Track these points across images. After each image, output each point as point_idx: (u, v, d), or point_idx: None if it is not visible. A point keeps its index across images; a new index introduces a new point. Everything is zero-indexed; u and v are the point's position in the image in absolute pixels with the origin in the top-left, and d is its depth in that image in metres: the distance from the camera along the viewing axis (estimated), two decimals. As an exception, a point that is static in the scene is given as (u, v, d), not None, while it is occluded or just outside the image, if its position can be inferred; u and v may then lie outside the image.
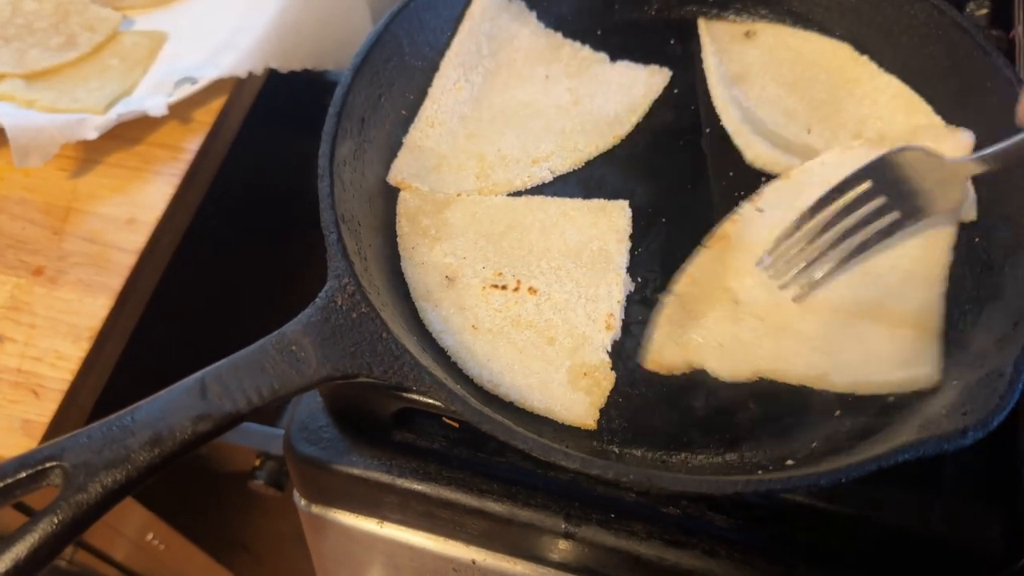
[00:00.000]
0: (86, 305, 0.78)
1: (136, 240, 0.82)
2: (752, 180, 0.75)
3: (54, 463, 0.52)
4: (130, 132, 0.88)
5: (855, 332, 0.66)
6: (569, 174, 0.77)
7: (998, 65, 0.70)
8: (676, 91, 0.82)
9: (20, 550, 0.49)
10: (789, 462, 0.60)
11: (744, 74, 0.82)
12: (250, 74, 0.90)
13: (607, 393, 0.65)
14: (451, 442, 0.70)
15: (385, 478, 0.69)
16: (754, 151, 0.76)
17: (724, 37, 0.84)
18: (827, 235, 0.67)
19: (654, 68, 0.83)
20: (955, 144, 0.72)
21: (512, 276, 0.70)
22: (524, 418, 0.63)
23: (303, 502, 0.76)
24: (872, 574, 0.63)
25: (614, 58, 0.84)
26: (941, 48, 0.75)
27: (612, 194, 0.75)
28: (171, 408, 0.54)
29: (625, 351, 0.67)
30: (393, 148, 0.76)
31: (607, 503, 0.66)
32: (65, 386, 0.74)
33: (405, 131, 0.77)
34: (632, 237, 0.73)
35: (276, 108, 1.02)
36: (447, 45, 0.80)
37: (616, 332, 0.68)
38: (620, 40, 0.85)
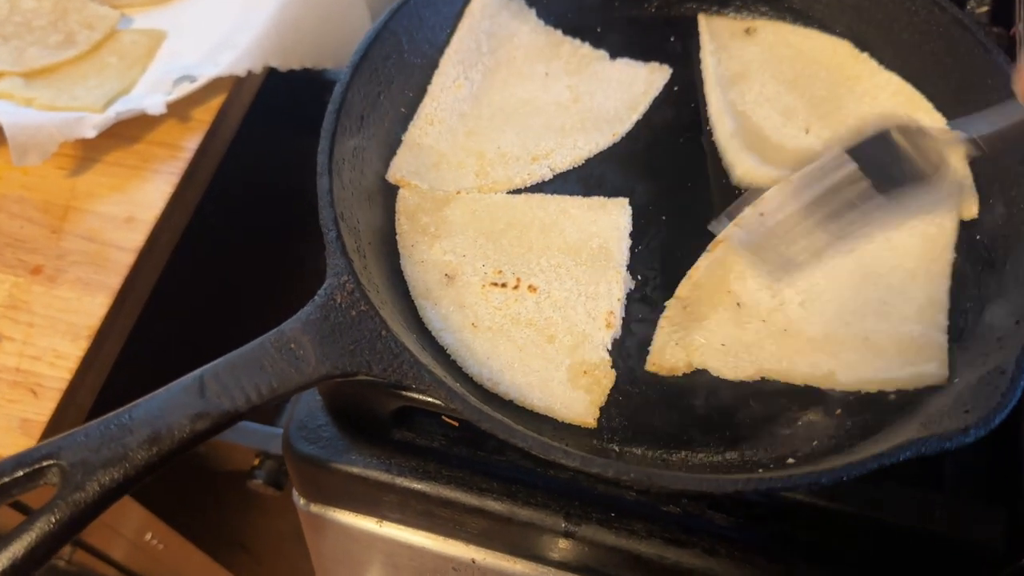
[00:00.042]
0: (85, 304, 0.78)
1: (135, 239, 0.82)
2: (752, 178, 0.75)
3: (51, 462, 0.52)
4: (129, 130, 0.88)
5: (860, 331, 0.65)
6: (569, 172, 0.77)
7: (999, 62, 0.70)
8: (676, 88, 0.82)
9: (17, 549, 0.49)
10: (790, 460, 0.60)
11: (744, 72, 0.82)
12: (249, 72, 0.90)
13: (607, 391, 0.65)
14: (451, 441, 0.69)
15: (384, 477, 0.68)
16: (743, 167, 0.75)
17: (724, 34, 0.84)
18: (811, 220, 0.64)
19: (654, 65, 0.83)
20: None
21: (512, 274, 0.69)
22: (524, 416, 0.63)
23: (302, 501, 0.76)
24: (873, 573, 0.63)
25: (614, 55, 0.84)
26: (941, 45, 0.75)
27: (612, 192, 0.75)
28: (169, 406, 0.54)
29: (625, 349, 0.67)
30: (392, 146, 0.76)
31: (607, 502, 0.66)
32: (64, 385, 0.74)
33: (404, 129, 0.77)
34: (632, 235, 0.73)
35: (275, 107, 1.01)
36: (446, 42, 0.80)
37: (616, 330, 0.67)
38: (620, 37, 0.85)
